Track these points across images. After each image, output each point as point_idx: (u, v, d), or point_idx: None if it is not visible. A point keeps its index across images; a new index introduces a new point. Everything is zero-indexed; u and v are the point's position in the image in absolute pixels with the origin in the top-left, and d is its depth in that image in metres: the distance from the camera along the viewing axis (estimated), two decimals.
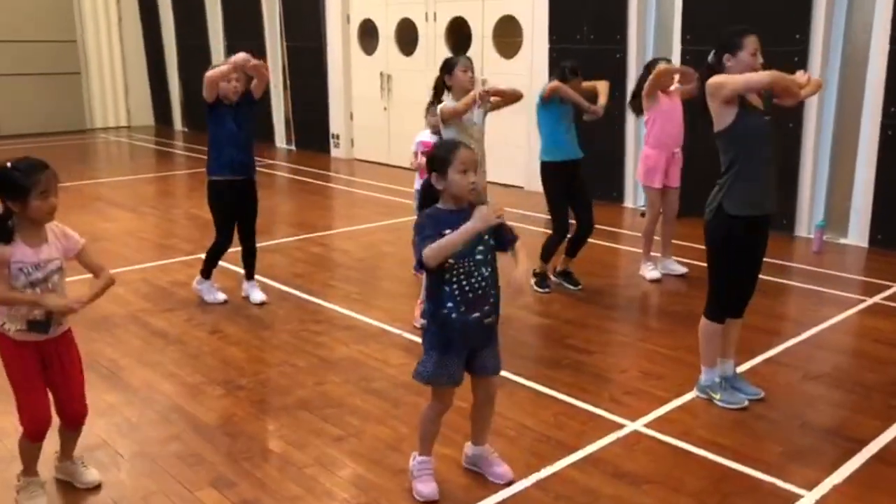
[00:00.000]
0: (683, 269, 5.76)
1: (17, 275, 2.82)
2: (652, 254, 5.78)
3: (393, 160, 10.74)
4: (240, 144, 4.95)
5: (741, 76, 3.43)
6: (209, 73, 4.82)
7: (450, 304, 2.82)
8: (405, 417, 3.65)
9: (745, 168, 3.51)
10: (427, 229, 2.77)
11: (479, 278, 2.83)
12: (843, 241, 6.71)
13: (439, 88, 4.82)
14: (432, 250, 2.70)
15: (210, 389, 3.98)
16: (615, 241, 6.92)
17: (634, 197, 8.20)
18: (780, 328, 4.73)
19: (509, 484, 3.10)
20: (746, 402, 3.72)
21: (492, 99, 4.67)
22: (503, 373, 4.06)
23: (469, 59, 4.72)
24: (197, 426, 3.60)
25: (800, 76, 3.54)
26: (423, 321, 4.62)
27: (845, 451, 3.35)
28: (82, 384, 3.07)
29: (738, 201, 3.53)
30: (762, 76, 3.45)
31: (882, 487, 3.10)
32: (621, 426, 3.57)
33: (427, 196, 2.93)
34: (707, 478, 3.17)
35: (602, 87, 5.36)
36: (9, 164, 2.82)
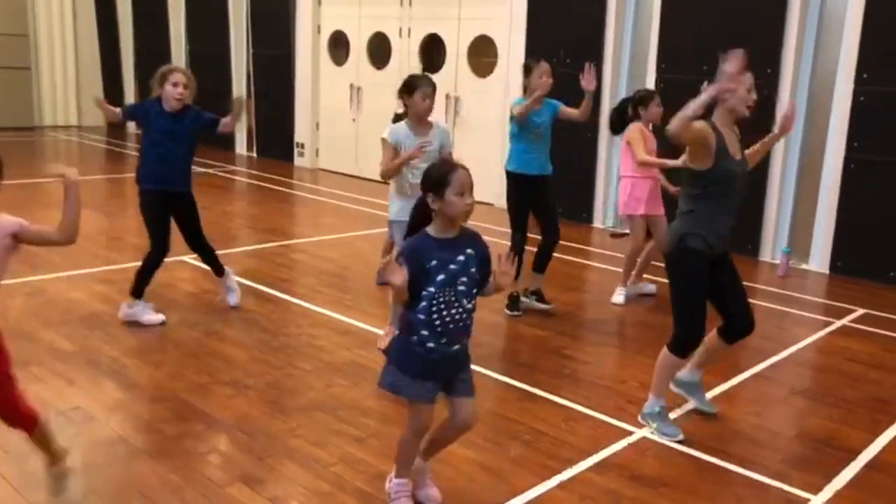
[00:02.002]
0: (653, 287, 5.97)
1: None
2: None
3: (361, 171, 10.80)
4: (161, 155, 4.74)
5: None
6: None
7: (425, 333, 2.71)
8: None
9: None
10: (406, 255, 2.66)
11: (461, 309, 2.73)
12: (804, 266, 7.06)
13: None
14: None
15: (219, 389, 3.97)
16: (589, 258, 7.12)
17: (604, 216, 8.44)
18: (762, 346, 4.94)
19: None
20: (681, 436, 3.62)
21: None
22: (510, 380, 4.21)
23: (431, 85, 4.42)
24: (213, 424, 3.59)
25: None
26: (386, 342, 4.57)
27: (840, 460, 3.55)
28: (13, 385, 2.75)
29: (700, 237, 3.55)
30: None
31: (880, 494, 3.30)
32: (630, 432, 3.71)
33: (419, 217, 2.80)
34: (718, 482, 3.33)
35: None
36: None
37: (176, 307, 5.15)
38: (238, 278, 5.40)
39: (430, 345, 2.73)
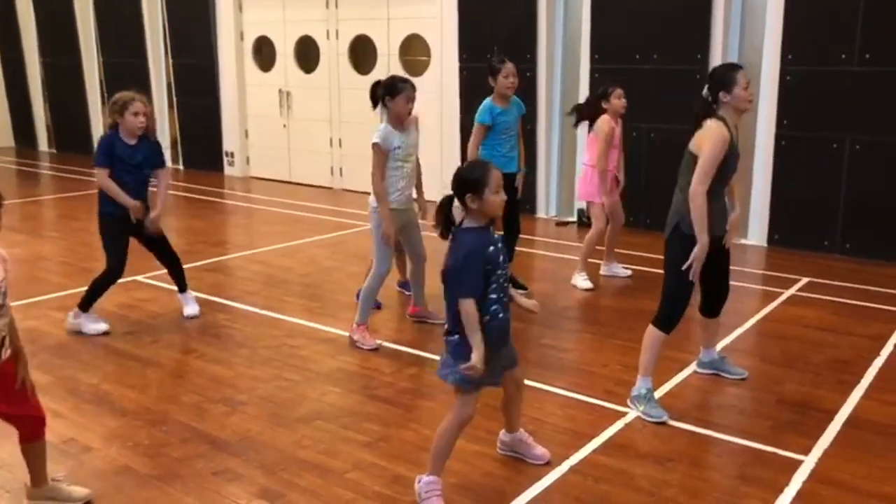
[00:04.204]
0: (628, 272, 6.18)
1: None
2: (591, 261, 6.13)
3: (294, 177, 10.71)
4: (126, 184, 4.86)
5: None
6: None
7: (495, 308, 2.98)
8: (424, 420, 3.77)
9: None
10: (474, 260, 2.89)
11: (506, 281, 3.04)
12: (743, 241, 7.38)
13: (375, 101, 4.87)
14: (467, 314, 2.87)
15: (212, 407, 3.92)
16: (539, 248, 7.28)
17: (547, 207, 8.61)
18: (724, 321, 5.08)
19: (548, 464, 3.33)
20: (666, 418, 3.76)
21: None
22: None
23: (414, 89, 4.66)
24: (216, 443, 3.55)
25: None
26: (375, 343, 4.66)
27: (821, 421, 3.77)
28: (32, 400, 2.92)
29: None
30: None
31: (862, 448, 3.53)
32: (624, 413, 3.85)
33: (447, 215, 3.00)
34: (717, 452, 3.51)
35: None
36: None
37: (145, 328, 5.04)
38: (205, 295, 5.34)
39: (502, 315, 3.01)
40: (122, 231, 4.91)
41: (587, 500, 3.10)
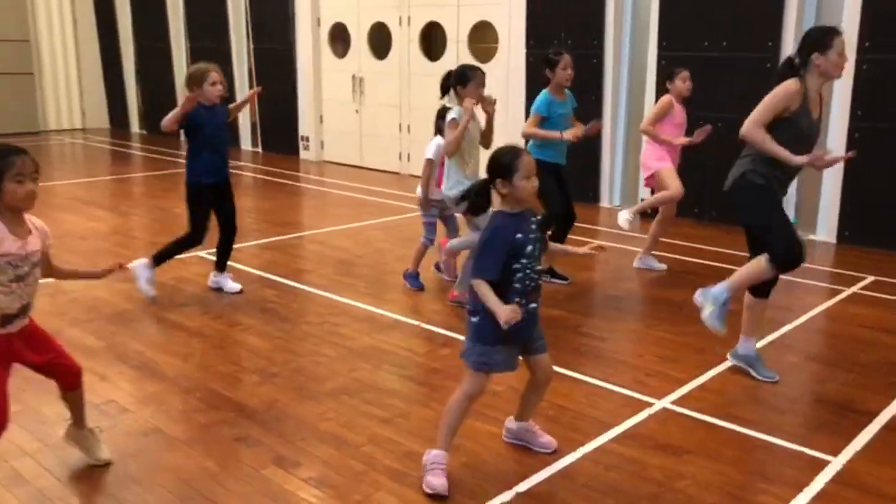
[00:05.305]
0: (663, 266, 6.06)
1: (5, 268, 2.73)
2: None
3: (365, 162, 10.88)
4: (216, 148, 5.12)
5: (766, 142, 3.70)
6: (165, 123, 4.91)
7: (517, 300, 2.95)
8: (446, 400, 3.76)
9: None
10: (496, 243, 2.90)
11: (533, 272, 3.01)
12: (811, 237, 7.11)
13: (445, 90, 4.99)
14: (482, 293, 2.90)
15: (246, 377, 4.06)
16: (598, 237, 7.19)
17: (610, 196, 8.50)
18: (775, 315, 5.00)
19: (554, 452, 3.31)
20: (777, 378, 3.97)
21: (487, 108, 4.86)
22: None
23: (483, 75, 4.85)
24: (244, 411, 3.68)
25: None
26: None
27: (858, 423, 3.63)
28: (61, 351, 3.07)
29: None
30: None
31: None
32: (650, 404, 3.79)
33: (477, 199, 3.06)
34: (740, 448, 3.41)
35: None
36: None
37: (197, 301, 5.24)
38: (258, 271, 5.53)
39: (524, 306, 2.96)
40: (207, 200, 5.16)
41: (593, 487, 3.08)
